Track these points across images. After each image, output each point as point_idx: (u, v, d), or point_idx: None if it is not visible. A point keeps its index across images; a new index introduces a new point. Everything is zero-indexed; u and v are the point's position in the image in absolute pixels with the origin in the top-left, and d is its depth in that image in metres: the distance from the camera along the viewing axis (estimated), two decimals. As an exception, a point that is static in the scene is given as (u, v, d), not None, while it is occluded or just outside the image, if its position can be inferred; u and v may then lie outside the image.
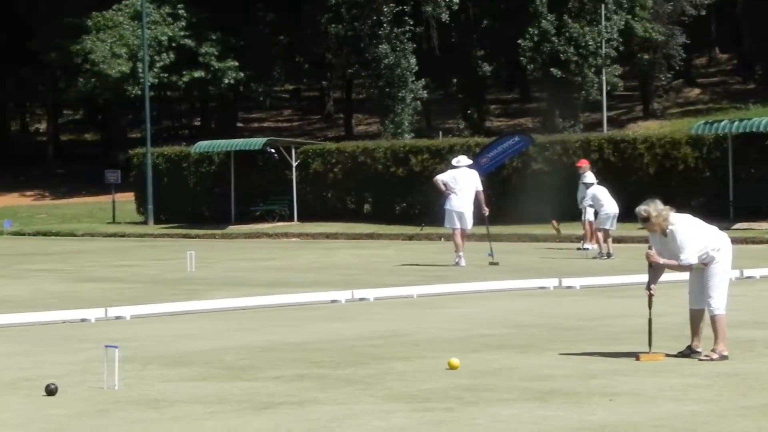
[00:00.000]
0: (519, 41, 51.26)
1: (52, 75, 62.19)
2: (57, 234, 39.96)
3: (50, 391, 9.53)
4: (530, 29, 50.90)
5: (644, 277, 11.19)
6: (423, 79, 51.59)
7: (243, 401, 9.20)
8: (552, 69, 50.77)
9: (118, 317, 15.25)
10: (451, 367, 10.42)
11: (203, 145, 41.35)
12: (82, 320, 15.02)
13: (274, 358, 11.51)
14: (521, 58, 51.92)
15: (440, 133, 49.44)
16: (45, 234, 40.14)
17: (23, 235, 40.16)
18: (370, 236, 34.37)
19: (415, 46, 51.72)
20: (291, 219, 39.40)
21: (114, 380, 9.80)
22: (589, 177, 26.28)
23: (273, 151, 40.20)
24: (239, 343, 12.64)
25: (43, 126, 69.74)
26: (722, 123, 33.49)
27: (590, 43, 50.84)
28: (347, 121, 63.00)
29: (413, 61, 50.92)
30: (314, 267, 24.16)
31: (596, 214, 25.60)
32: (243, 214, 40.21)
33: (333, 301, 16.88)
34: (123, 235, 38.77)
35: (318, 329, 13.83)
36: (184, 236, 37.37)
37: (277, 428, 8.15)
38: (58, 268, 24.90)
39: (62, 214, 47.55)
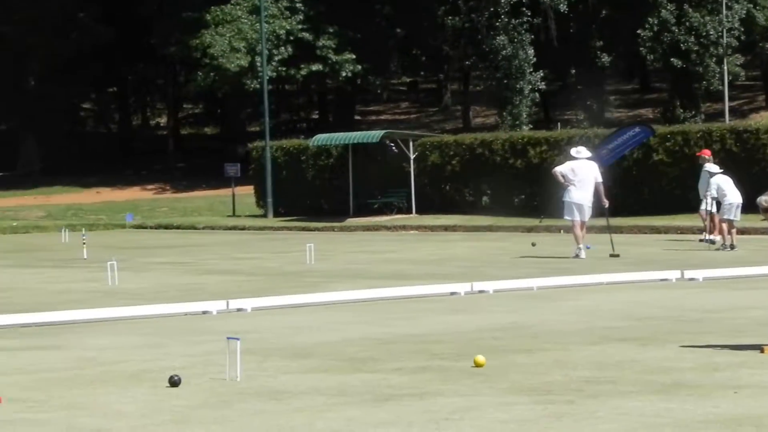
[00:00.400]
0: (638, 31, 50.63)
1: (172, 70, 63.06)
2: (178, 227, 40.49)
3: (173, 382, 9.63)
4: (650, 19, 50.24)
5: (771, 269, 10.95)
6: (541, 71, 51.24)
7: (364, 393, 9.20)
8: (672, 59, 50.07)
9: (239, 309, 15.37)
10: (477, 365, 10.26)
11: (321, 138, 41.55)
12: (204, 312, 15.18)
13: (395, 350, 11.50)
14: (641, 49, 51.28)
15: (559, 124, 49.07)
16: (166, 227, 40.70)
17: (145, 228, 40.77)
18: (489, 228, 34.24)
19: (532, 37, 51.39)
20: (409, 211, 39.42)
21: (236, 372, 9.87)
22: (712, 166, 25.88)
23: (393, 145, 40.25)
24: (359, 335, 12.66)
25: (163, 120, 70.75)
26: None
27: (711, 33, 50.02)
28: (465, 113, 62.84)
29: (531, 52, 50.60)
30: (433, 259, 24.12)
31: (719, 204, 25.17)
32: (361, 207, 40.33)
33: (452, 294, 16.82)
34: (243, 228, 39.14)
35: (437, 321, 13.79)
36: (303, 229, 37.60)
37: (399, 420, 8.13)
38: (180, 261, 25.21)
39: (183, 207, 48.17)
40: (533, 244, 26.35)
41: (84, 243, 26.86)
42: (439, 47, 59.89)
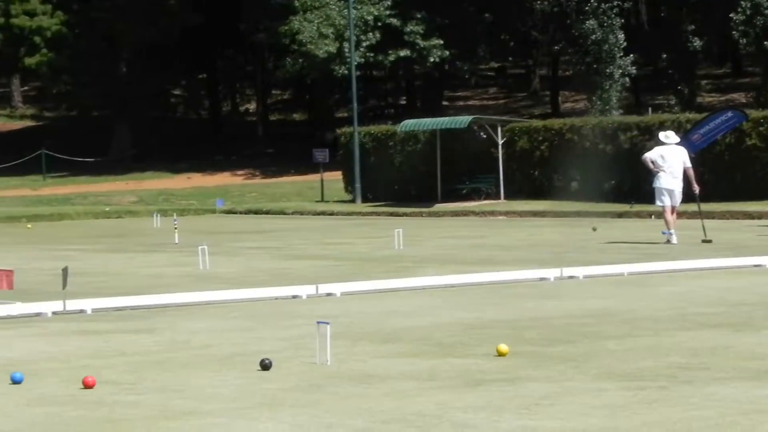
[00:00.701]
0: (731, 15, 49.89)
1: (261, 56, 63.39)
2: (267, 212, 40.73)
3: (265, 365, 9.69)
4: (742, 2, 49.46)
5: None
6: (631, 55, 50.71)
7: (454, 377, 9.18)
8: (765, 42, 49.28)
9: (328, 294, 15.43)
10: (500, 354, 10.15)
11: (409, 124, 41.54)
12: (294, 297, 15.26)
13: (484, 335, 11.47)
14: (733, 32, 50.52)
15: (650, 109, 48.54)
16: (256, 212, 40.97)
17: (235, 213, 41.07)
18: (578, 214, 34.01)
19: (622, 21, 50.85)
20: (497, 197, 39.29)
21: (326, 356, 9.90)
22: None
23: (481, 132, 40.12)
24: (449, 320, 12.64)
25: (252, 106, 71.19)
26: None
27: (806, 15, 49.12)
28: (553, 98, 62.46)
29: (621, 36, 50.09)
30: (522, 245, 24.02)
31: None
32: (449, 193, 40.27)
33: (542, 279, 16.74)
34: (331, 214, 39.28)
35: (527, 307, 13.73)
36: (392, 214, 37.64)
37: (489, 405, 8.10)
38: (269, 246, 25.37)
39: (272, 192, 48.46)
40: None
41: (175, 228, 27.13)
42: (528, 32, 59.55)
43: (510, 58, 70.23)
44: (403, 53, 53.34)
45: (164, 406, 8.37)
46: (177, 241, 25.94)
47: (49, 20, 57.36)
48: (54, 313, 13.80)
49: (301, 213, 39.96)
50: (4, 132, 66.81)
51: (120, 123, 60.35)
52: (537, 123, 41.18)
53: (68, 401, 8.61)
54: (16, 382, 9.27)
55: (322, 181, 44.61)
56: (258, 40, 56.93)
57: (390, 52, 53.32)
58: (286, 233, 29.99)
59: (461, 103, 66.50)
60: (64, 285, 13.71)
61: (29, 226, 35.69)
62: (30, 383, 9.27)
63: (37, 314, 13.78)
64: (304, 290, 15.43)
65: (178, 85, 69.23)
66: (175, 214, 35.65)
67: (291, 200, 45.21)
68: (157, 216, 35.39)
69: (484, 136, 40.16)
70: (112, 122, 60.82)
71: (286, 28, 52.73)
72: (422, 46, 53.26)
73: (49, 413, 8.20)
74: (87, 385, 9.04)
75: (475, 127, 40.43)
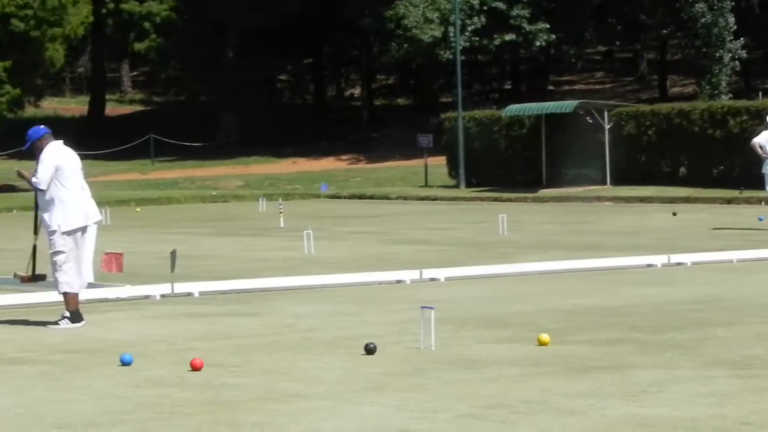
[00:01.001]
0: None
1: (366, 41, 63.51)
2: (371, 197, 40.85)
3: (369, 350, 9.72)
4: None
5: None
6: (741, 38, 49.87)
7: (558, 364, 9.13)
8: None
9: (432, 279, 15.44)
10: (541, 343, 9.99)
11: (514, 109, 41.33)
12: (398, 281, 15.29)
13: (589, 321, 11.39)
14: None
15: (760, 93, 47.74)
16: (360, 197, 41.11)
17: (339, 198, 41.25)
18: (686, 200, 33.58)
19: (733, 4, 50.02)
20: (603, 182, 38.93)
21: (430, 340, 9.91)
22: None
23: (587, 117, 39.78)
24: (553, 306, 12.57)
25: (357, 91, 71.37)
26: None
27: None
28: (661, 82, 61.70)
29: (731, 19, 49.27)
30: (628, 231, 23.79)
31: None
32: (554, 178, 40.01)
33: (648, 266, 16.56)
34: (435, 199, 39.27)
35: (634, 293, 13.60)
36: (495, 199, 37.52)
37: (595, 391, 8.04)
38: (374, 230, 25.44)
39: (376, 177, 48.57)
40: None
41: (281, 212, 27.32)
42: (636, 15, 58.85)
43: (617, 42, 69.47)
44: (508, 37, 53.06)
45: (270, 389, 8.44)
46: (282, 226, 26.13)
47: (159, 6, 58.05)
48: (162, 296, 13.99)
49: (405, 198, 40.00)
50: (113, 116, 67.82)
51: (227, 108, 60.92)
52: (644, 108, 40.69)
53: (176, 383, 8.72)
54: (125, 363, 9.42)
55: (426, 166, 44.60)
56: (363, 25, 57.03)
57: (495, 36, 53.07)
58: (390, 218, 30.04)
59: (567, 87, 65.99)
60: (173, 268, 13.89)
61: (138, 209, 36.21)
62: (139, 365, 9.41)
63: (146, 297, 13.98)
64: (408, 275, 15.45)
65: (284, 70, 69.65)
66: (280, 198, 35.89)
67: (395, 185, 45.26)
68: (262, 200, 35.67)
69: (591, 121, 39.81)
70: (219, 107, 61.41)
71: (392, 12, 52.75)
72: (528, 29, 52.93)
73: (157, 395, 8.31)
74: (194, 368, 9.15)
75: (581, 112, 40.09)
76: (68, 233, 11.78)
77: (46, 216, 11.99)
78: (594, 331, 10.69)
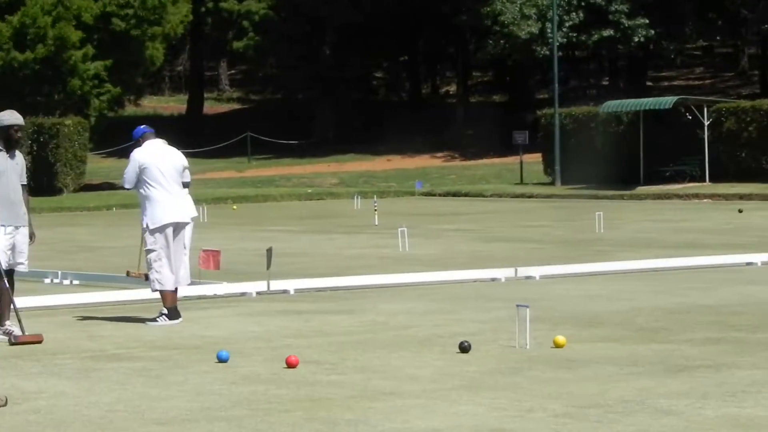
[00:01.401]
0: None
1: (462, 38, 63.39)
2: (466, 195, 40.77)
3: (464, 348, 9.70)
4: None
5: None
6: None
7: (656, 363, 9.03)
8: None
9: (527, 277, 15.36)
10: (557, 345, 9.80)
11: (611, 105, 40.99)
12: (493, 279, 15.24)
13: (688, 320, 11.25)
14: None
15: None
16: (454, 194, 41.04)
17: (434, 195, 41.23)
18: (787, 197, 33.05)
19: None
20: (702, 179, 38.47)
21: (525, 339, 9.86)
22: None
23: (686, 113, 39.31)
24: (651, 305, 12.44)
25: (452, 88, 71.27)
26: None
27: None
28: (762, 78, 60.76)
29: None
30: (727, 228, 23.48)
31: None
32: (652, 175, 39.60)
33: (748, 264, 16.33)
34: (530, 196, 39.08)
35: (733, 292, 13.41)
36: (592, 197, 37.24)
37: (692, 391, 7.94)
38: (468, 228, 25.39)
39: (471, 174, 48.45)
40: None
41: (375, 209, 27.38)
42: (737, 10, 58.00)
43: (717, 37, 68.55)
44: (606, 33, 52.60)
45: (365, 387, 8.46)
46: (377, 223, 26.18)
47: (257, 4, 58.48)
48: (258, 293, 14.08)
49: (500, 195, 39.86)
50: (211, 115, 68.45)
51: (323, 106, 61.20)
52: (745, 103, 40.12)
53: (272, 380, 8.77)
54: (222, 360, 9.50)
55: (521, 163, 44.41)
56: (460, 22, 56.92)
57: (593, 32, 52.65)
58: (485, 216, 29.95)
59: (666, 83, 65.27)
60: (269, 265, 13.97)
61: (234, 207, 36.52)
62: (235, 362, 9.48)
63: (243, 294, 14.08)
64: (503, 273, 15.39)
65: (380, 67, 69.77)
66: (375, 196, 35.97)
67: (490, 182, 45.13)
68: (357, 198, 35.78)
69: (690, 117, 39.34)
70: (315, 105, 61.72)
71: (489, 9, 52.58)
72: (627, 25, 52.41)
73: (253, 391, 8.37)
74: (290, 365, 9.19)
75: (681, 108, 39.63)
76: (156, 231, 11.90)
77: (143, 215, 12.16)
78: (692, 331, 10.56)
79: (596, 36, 52.73)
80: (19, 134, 11.29)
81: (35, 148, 41.19)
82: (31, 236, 11.43)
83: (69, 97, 45.20)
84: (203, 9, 58.42)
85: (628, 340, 10.15)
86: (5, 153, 11.16)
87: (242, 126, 58.75)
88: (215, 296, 13.94)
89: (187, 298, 13.52)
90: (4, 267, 10.90)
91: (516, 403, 7.79)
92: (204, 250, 14.45)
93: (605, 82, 65.75)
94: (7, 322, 11.01)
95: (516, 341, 9.93)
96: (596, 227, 22.82)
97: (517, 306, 10.06)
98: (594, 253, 18.62)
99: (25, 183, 11.38)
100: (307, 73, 60.10)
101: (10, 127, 11.18)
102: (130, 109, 56.45)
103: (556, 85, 43.56)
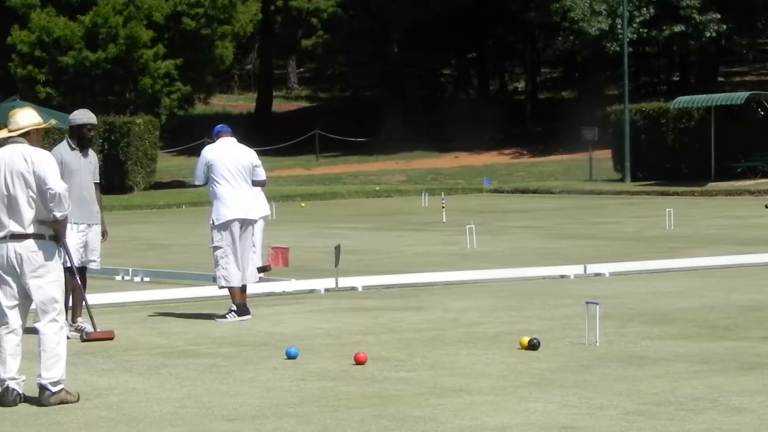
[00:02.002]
0: None
1: (531, 34, 63.15)
2: (534, 191, 40.59)
3: (533, 345, 9.66)
4: None
5: None
6: None
7: (728, 361, 8.94)
8: None
9: (596, 274, 15.26)
10: (523, 346, 9.67)
11: (682, 101, 40.63)
12: (561, 276, 15.15)
13: (760, 317, 11.12)
14: None
15: None
16: (523, 191, 40.88)
17: (501, 192, 41.08)
18: None
19: None
20: (774, 176, 38.01)
21: (595, 336, 9.80)
22: None
23: (759, 109, 38.88)
24: (722, 302, 12.31)
25: (521, 85, 71.03)
26: None
27: None
28: (835, 72, 59.96)
29: None
30: (800, 225, 23.18)
31: None
32: (723, 171, 39.19)
33: (821, 261, 16.10)
34: (599, 193, 38.83)
35: (806, 290, 13.24)
36: (662, 193, 36.93)
37: (765, 389, 7.85)
38: (537, 225, 25.28)
39: (539, 171, 48.24)
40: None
41: (443, 207, 27.34)
42: (811, 4, 57.22)
43: (790, 32, 67.71)
44: (677, 28, 52.14)
45: (434, 383, 8.45)
46: (444, 220, 26.14)
47: (326, 2, 58.62)
48: (326, 290, 14.11)
49: (569, 192, 39.64)
50: (279, 113, 68.71)
51: (391, 103, 61.23)
52: (818, 99, 39.59)
53: (341, 377, 8.79)
54: (291, 357, 9.53)
55: (590, 159, 44.14)
56: (528, 18, 56.70)
57: (664, 27, 52.21)
58: (553, 212, 29.81)
59: (737, 78, 64.58)
60: (337, 263, 14.00)
61: (303, 204, 36.64)
62: (304, 358, 9.51)
63: (311, 291, 14.12)
64: (572, 270, 15.31)
65: (448, 64, 69.68)
66: (442, 193, 35.91)
67: (558, 179, 44.90)
68: (425, 195, 35.76)
69: (762, 113, 38.89)
70: (383, 102, 61.76)
71: (558, 5, 52.31)
72: (698, 20, 51.91)
73: (322, 388, 8.39)
74: (359, 361, 9.21)
75: (753, 104, 39.18)
76: (221, 227, 11.97)
77: None
78: (764, 328, 10.44)
79: (667, 31, 52.28)
80: (92, 133, 11.40)
81: (106, 147, 41.54)
82: (104, 234, 11.56)
83: (140, 96, 45.59)
84: (272, 7, 58.65)
85: (699, 337, 10.06)
86: (78, 152, 11.27)
87: (310, 124, 58.94)
88: (284, 293, 13.99)
89: (255, 295, 13.59)
90: (76, 264, 11.01)
91: (586, 400, 7.74)
92: (273, 247, 14.52)
93: (676, 78, 65.23)
94: (79, 319, 11.13)
95: (586, 338, 9.87)
96: (667, 223, 22.62)
97: (587, 303, 10.00)
98: (664, 249, 18.46)
99: (98, 181, 11.49)
100: (375, 70, 60.15)
101: (83, 126, 11.29)
102: (199, 108, 56.78)
103: (627, 81, 43.25)
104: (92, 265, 11.43)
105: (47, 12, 45.43)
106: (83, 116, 11.34)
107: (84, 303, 11.11)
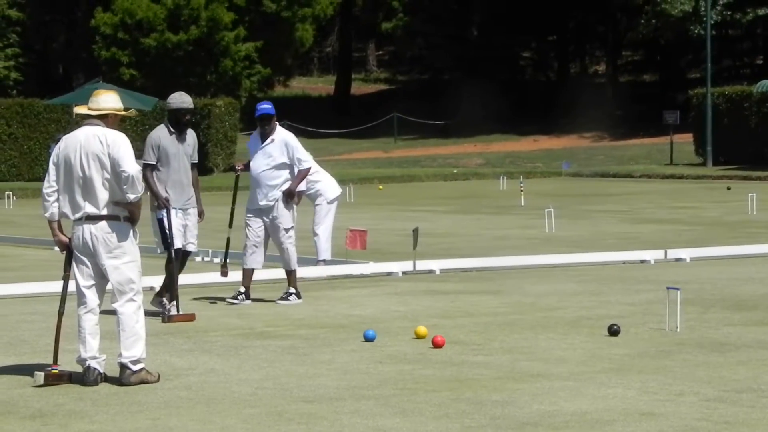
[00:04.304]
0: None
1: (613, 17, 62.60)
2: (614, 175, 40.29)
3: (613, 331, 9.58)
4: None
5: None
6: None
7: (811, 349, 8.80)
8: None
9: (677, 259, 15.12)
10: (418, 336, 9.48)
11: (766, 84, 40.06)
12: (642, 261, 15.03)
13: None
14: None
15: None
16: (602, 175, 40.59)
17: (581, 176, 40.83)
18: None
19: None
20: None
21: (675, 322, 9.70)
22: None
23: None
24: (806, 289, 12.14)
25: (601, 68, 70.47)
26: None
27: None
28: None
29: None
30: None
31: None
32: (807, 156, 38.61)
33: None
34: (681, 177, 38.46)
35: None
36: (745, 178, 36.48)
37: None
38: (617, 209, 25.09)
39: (620, 155, 47.87)
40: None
41: (521, 190, 27.23)
42: None
43: None
44: (762, 11, 51.40)
45: (512, 368, 8.41)
46: (523, 204, 26.04)
47: (409, -16, 58.66)
48: (404, 272, 14.10)
49: (649, 176, 39.30)
50: (358, 95, 68.79)
51: (470, 86, 61.04)
52: None
53: (418, 359, 8.78)
54: (369, 339, 9.54)
55: (671, 143, 43.71)
56: (610, 1, 56.20)
57: (749, 10, 51.51)
58: (634, 197, 29.57)
59: (823, 61, 63.53)
60: (415, 245, 13.99)
61: (380, 187, 36.68)
62: (382, 341, 9.52)
63: (389, 274, 14.12)
64: (653, 255, 15.18)
65: (527, 47, 69.30)
66: (521, 176, 35.76)
67: (639, 163, 44.52)
68: (503, 178, 35.63)
69: None
70: (462, 85, 61.60)
71: (642, -14, 51.79)
72: (783, 3, 51.09)
73: (400, 371, 8.38)
74: (436, 345, 9.19)
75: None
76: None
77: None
78: None
79: (751, 14, 51.56)
80: (188, 117, 11.24)
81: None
82: (200, 214, 11.59)
83: (220, 78, 45.88)
84: (352, -10, 58.76)
85: (782, 324, 9.92)
86: (177, 136, 11.19)
87: (389, 106, 58.94)
88: (362, 275, 14.00)
89: (334, 277, 13.63)
90: (177, 246, 11.05)
91: (666, 386, 7.67)
92: (351, 230, 14.53)
93: (759, 62, 64.33)
94: (164, 299, 11.18)
95: (666, 324, 9.78)
96: (749, 208, 22.34)
97: (668, 288, 9.90)
98: (747, 235, 18.24)
99: (196, 161, 11.41)
100: (455, 52, 60.01)
101: (177, 110, 11.19)
102: (279, 90, 57.00)
103: (709, 64, 42.75)
104: (189, 248, 11.44)
105: (130, -6, 45.84)
106: (177, 100, 11.23)
107: (174, 285, 11.13)
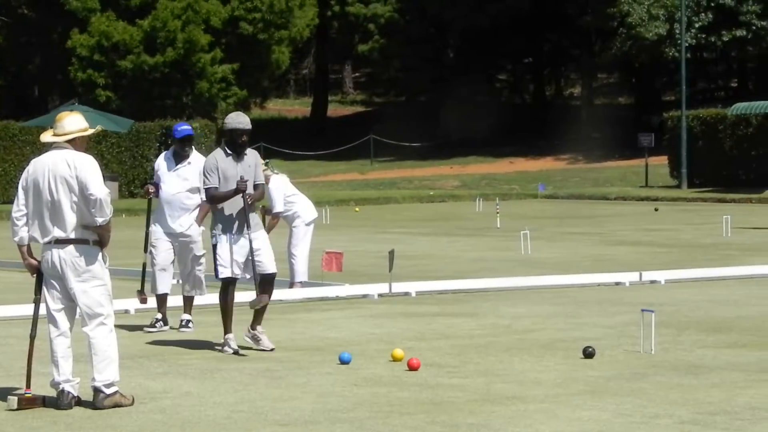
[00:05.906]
0: None
1: (587, 39, 62.92)
2: (590, 197, 40.40)
3: (588, 353, 9.60)
4: None
5: None
6: None
7: (785, 371, 8.84)
8: None
9: (652, 281, 15.16)
10: (394, 359, 9.52)
11: (741, 107, 40.28)
12: (617, 283, 15.07)
13: (818, 327, 11.00)
14: None
15: None
16: (578, 197, 40.70)
17: (556, 198, 40.93)
18: None
19: None
20: (834, 183, 37.59)
21: (650, 344, 9.73)
22: None
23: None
24: (780, 311, 12.18)
25: (577, 90, 70.78)
26: None
27: None
28: None
29: None
30: None
31: None
32: (781, 178, 38.81)
33: None
34: (655, 199, 38.58)
35: None
36: (719, 200, 36.64)
37: (823, 402, 7.75)
38: (592, 231, 25.16)
39: (595, 177, 48.02)
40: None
41: (497, 212, 27.27)
42: None
43: None
44: (738, 33, 51.70)
45: (487, 390, 8.42)
46: (498, 226, 26.08)
47: (383, 7, 58.76)
48: (380, 295, 14.10)
49: (624, 198, 39.42)
50: (335, 117, 68.85)
51: (446, 108, 61.19)
52: None
53: (394, 382, 8.78)
54: (344, 362, 9.53)
55: (646, 165, 43.89)
56: (585, 23, 56.48)
57: (723, 32, 51.82)
58: (609, 219, 29.65)
59: (795, 85, 63.94)
60: (391, 267, 13.99)
61: (357, 209, 36.67)
62: (357, 363, 9.51)
63: (364, 296, 14.11)
64: (628, 277, 15.22)
65: (503, 69, 69.55)
66: (497, 198, 35.82)
67: (614, 185, 44.67)
68: (479, 200, 35.67)
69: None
70: (438, 107, 61.75)
71: (615, 10, 52.07)
72: (758, 26, 51.47)
73: (375, 393, 8.38)
74: (412, 367, 9.19)
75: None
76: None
77: None
78: (823, 338, 10.32)
79: (726, 37, 51.85)
80: (244, 138, 10.71)
81: (162, 150, 41.82)
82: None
83: (196, 100, 45.87)
84: (329, 13, 58.84)
85: (756, 346, 9.96)
86: (235, 157, 10.72)
87: (365, 128, 59.02)
88: (337, 298, 14.00)
89: (309, 300, 13.62)
90: (237, 275, 10.56)
91: (641, 408, 7.68)
92: (327, 252, 14.53)
93: (734, 84, 64.72)
94: (259, 327, 10.62)
95: (641, 346, 9.81)
96: (723, 231, 22.44)
97: (642, 311, 9.93)
98: (721, 257, 18.31)
99: (261, 182, 10.84)
100: (431, 75, 60.17)
101: (233, 130, 10.78)
102: (255, 112, 57.00)
103: (684, 87, 42.96)
104: (270, 269, 10.61)
105: (107, 16, 45.85)
106: (234, 120, 10.81)
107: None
